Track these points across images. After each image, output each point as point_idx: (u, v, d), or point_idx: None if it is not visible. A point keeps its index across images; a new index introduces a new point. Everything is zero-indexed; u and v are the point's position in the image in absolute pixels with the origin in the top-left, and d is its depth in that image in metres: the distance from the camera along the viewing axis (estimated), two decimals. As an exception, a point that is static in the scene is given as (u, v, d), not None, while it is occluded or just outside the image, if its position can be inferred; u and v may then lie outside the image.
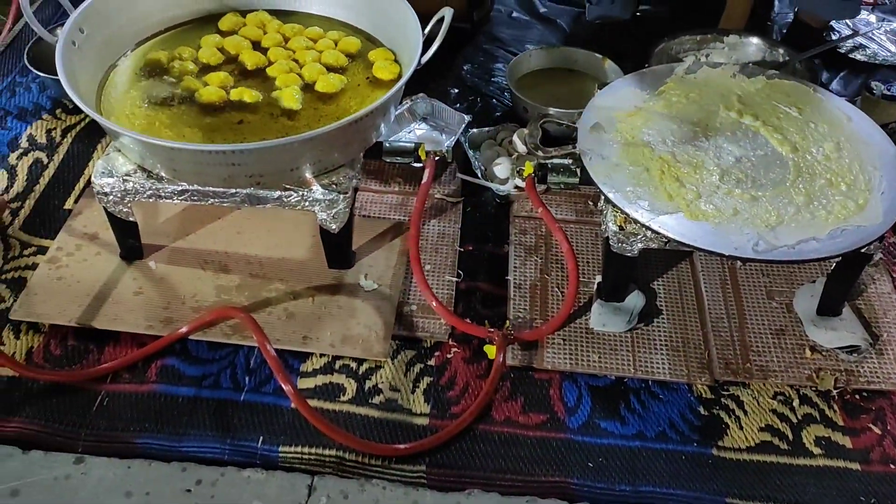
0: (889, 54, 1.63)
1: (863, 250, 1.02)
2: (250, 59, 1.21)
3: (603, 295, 1.16)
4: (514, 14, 1.76)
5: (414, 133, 1.43)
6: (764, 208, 1.04)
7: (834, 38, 1.66)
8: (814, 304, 1.15)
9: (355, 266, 1.19)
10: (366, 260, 1.20)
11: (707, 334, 1.14)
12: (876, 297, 1.19)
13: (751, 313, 1.17)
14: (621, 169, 1.09)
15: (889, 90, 1.38)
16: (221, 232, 1.23)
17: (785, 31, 1.70)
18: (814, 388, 1.07)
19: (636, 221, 1.03)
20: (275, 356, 0.99)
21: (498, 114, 1.50)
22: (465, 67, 1.61)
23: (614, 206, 1.05)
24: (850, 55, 1.63)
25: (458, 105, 1.50)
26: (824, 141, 1.13)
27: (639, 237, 1.06)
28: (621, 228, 1.06)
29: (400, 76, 1.18)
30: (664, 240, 1.02)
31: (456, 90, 1.55)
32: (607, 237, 1.08)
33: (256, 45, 1.25)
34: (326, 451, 0.97)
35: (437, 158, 1.21)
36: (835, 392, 1.06)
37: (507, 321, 1.14)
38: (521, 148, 1.30)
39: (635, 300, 1.16)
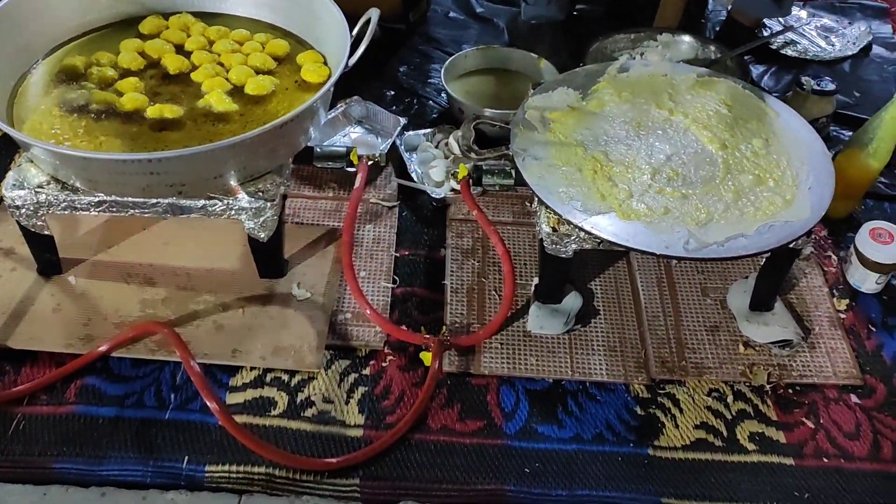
0: (819, 50, 1.66)
1: (791, 245, 1.03)
2: (173, 64, 1.17)
3: (540, 297, 1.15)
4: (451, 14, 1.75)
5: (349, 137, 1.40)
6: (694, 206, 1.04)
7: (765, 34, 1.69)
8: (746, 299, 1.16)
9: (288, 275, 1.16)
10: (299, 268, 1.17)
11: (644, 333, 1.14)
12: (807, 291, 1.20)
13: (686, 311, 1.17)
14: (554, 170, 1.08)
15: (819, 85, 1.40)
16: (147, 243, 1.19)
17: (718, 28, 1.72)
18: (747, 384, 1.08)
19: (569, 223, 1.02)
20: (199, 372, 0.96)
21: (434, 115, 1.48)
22: (400, 69, 1.58)
23: (547, 207, 1.04)
24: (782, 51, 1.65)
25: (393, 107, 1.48)
26: (753, 137, 1.14)
27: (573, 238, 1.06)
28: (554, 230, 1.05)
29: (330, 78, 1.15)
30: (597, 240, 1.02)
31: (392, 92, 1.52)
32: (541, 239, 1.07)
33: (180, 49, 1.21)
34: (255, 469, 0.94)
35: (370, 163, 1.19)
36: (768, 387, 1.07)
37: (444, 327, 1.12)
38: (457, 150, 1.28)
39: (573, 301, 1.15)
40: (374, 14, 1.12)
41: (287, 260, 1.17)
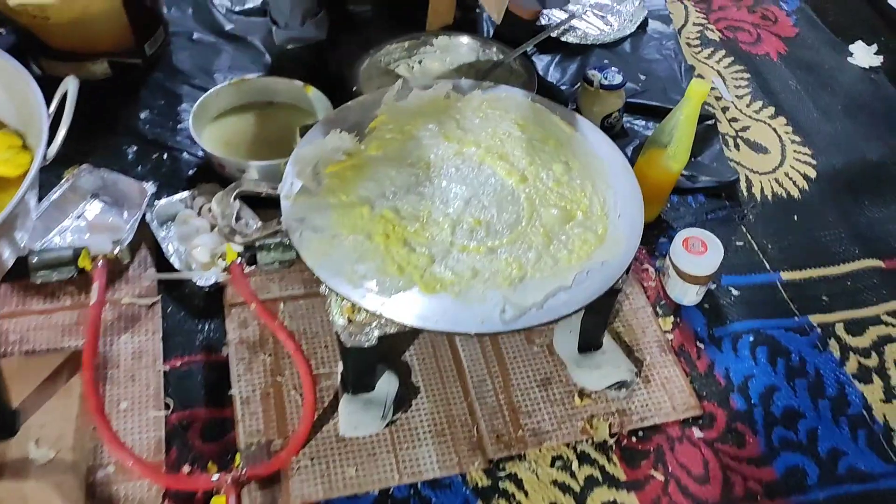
0: (599, 32, 1.58)
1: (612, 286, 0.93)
2: None
3: (349, 388, 0.98)
4: (196, 35, 1.47)
5: (83, 218, 1.13)
6: (504, 261, 0.90)
7: (544, 23, 1.59)
8: (574, 340, 1.05)
9: (21, 430, 0.89)
10: (35, 418, 0.90)
11: (472, 404, 1.01)
12: (632, 315, 1.12)
13: (513, 366, 1.05)
14: (339, 242, 0.89)
15: (607, 79, 1.32)
16: None
17: (493, 26, 1.58)
18: (590, 442, 0.98)
19: (366, 310, 0.85)
20: None
21: (192, 171, 1.23)
22: (141, 116, 1.30)
23: (337, 294, 0.87)
24: (562, 38, 1.56)
25: (138, 168, 1.22)
26: (553, 162, 1.02)
27: (373, 325, 0.89)
28: (350, 321, 0.88)
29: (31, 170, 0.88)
30: (402, 325, 0.86)
31: (133, 148, 1.25)
32: (336, 332, 0.89)
33: None
34: None
35: (103, 266, 0.94)
36: (611, 441, 0.98)
37: (237, 454, 0.92)
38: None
39: (388, 385, 0.99)
40: (71, 85, 0.85)
41: (17, 410, 0.90)
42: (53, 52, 1.30)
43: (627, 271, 0.92)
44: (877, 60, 1.65)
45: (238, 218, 1.16)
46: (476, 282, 0.88)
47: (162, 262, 1.08)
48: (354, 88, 1.26)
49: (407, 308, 0.85)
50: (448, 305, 0.86)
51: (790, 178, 1.36)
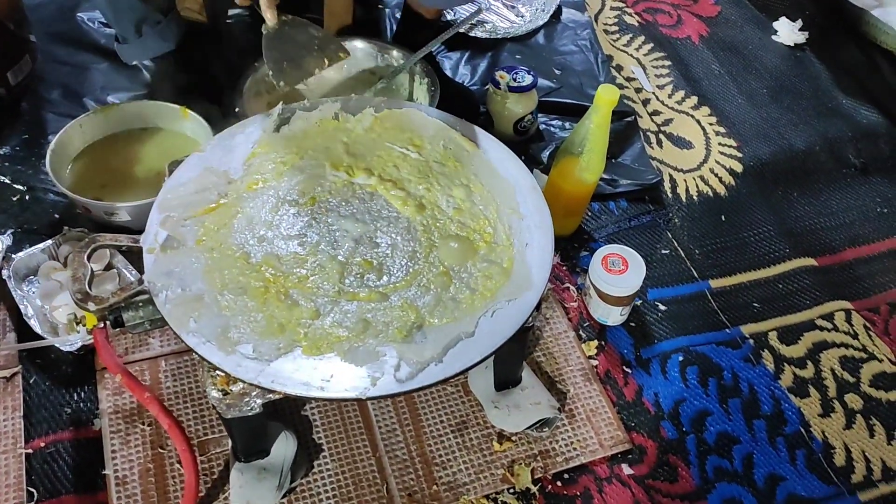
0: (509, 25, 1.48)
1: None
2: None
3: (240, 456, 0.88)
4: (64, 56, 1.31)
5: (-70, 279, 0.99)
6: (399, 308, 0.80)
7: (450, 18, 1.48)
8: (490, 377, 0.96)
9: None
10: None
11: (381, 459, 0.91)
12: (554, 341, 1.04)
13: (425, 410, 0.96)
14: (210, 301, 0.78)
15: (516, 80, 1.22)
16: None
17: (395, 25, 1.47)
18: (512, 491, 0.90)
19: (241, 380, 0.75)
20: None
21: (58, 216, 1.10)
22: (1, 152, 1.16)
23: (209, 363, 0.76)
24: (471, 33, 1.45)
25: (-7, 215, 1.09)
26: (452, 186, 0.92)
27: (254, 394, 0.79)
28: (226, 393, 0.78)
29: None
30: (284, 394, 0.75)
31: (-11, 191, 1.12)
32: (213, 405, 0.79)
33: None
34: None
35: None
36: (535, 489, 0.90)
37: (111, 550, 0.81)
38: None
39: (285, 448, 0.89)
40: None
41: None
42: None
43: (538, 308, 0.83)
44: (802, 37, 1.58)
45: (110, 267, 1.04)
46: (367, 336, 0.78)
47: (24, 325, 0.95)
48: (237, 109, 1.14)
49: (288, 374, 0.74)
50: (336, 368, 0.75)
51: (715, 175, 1.29)
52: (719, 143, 1.34)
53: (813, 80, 1.50)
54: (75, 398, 0.92)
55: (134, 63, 1.25)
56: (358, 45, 1.28)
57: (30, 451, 0.87)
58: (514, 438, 0.94)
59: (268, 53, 1.00)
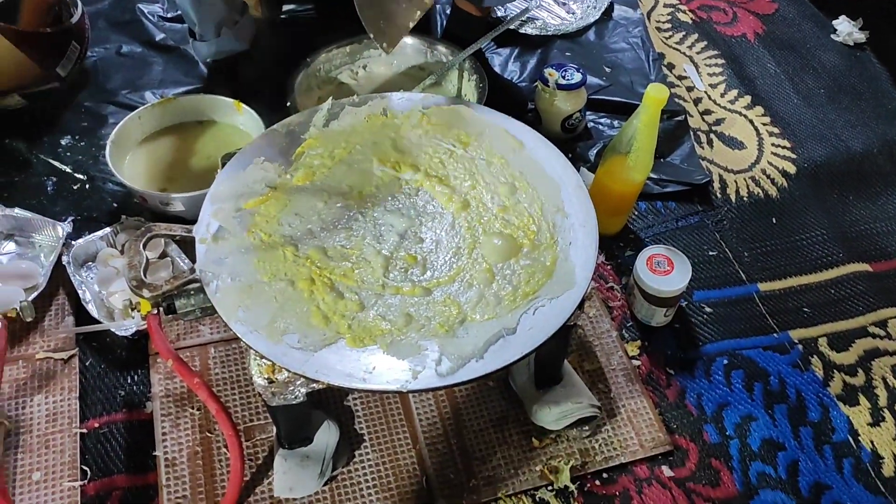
0: (560, 22, 1.48)
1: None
2: None
3: (284, 443, 0.90)
4: (124, 49, 1.37)
5: (-2, 261, 1.04)
6: (441, 304, 0.81)
7: (500, 15, 1.47)
8: (530, 375, 0.97)
9: (-81, 514, 0.82)
10: (-65, 498, 0.83)
11: (421, 451, 0.92)
12: (596, 340, 1.04)
13: (466, 405, 0.96)
14: (259, 290, 0.80)
15: (565, 78, 1.22)
16: None
17: (445, 22, 1.46)
18: (550, 488, 0.90)
19: (287, 369, 0.77)
20: None
21: (117, 204, 1.14)
22: (63, 142, 1.21)
23: (256, 352, 0.78)
24: (521, 30, 1.45)
25: (58, 203, 1.12)
26: (498, 184, 0.92)
27: (298, 383, 0.81)
28: (271, 381, 0.80)
29: None
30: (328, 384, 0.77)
31: (53, 180, 1.15)
32: (259, 393, 0.81)
33: None
34: None
35: (3, 327, 0.85)
36: (573, 487, 0.90)
37: (160, 529, 0.84)
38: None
39: (327, 436, 0.91)
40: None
41: (-85, 491, 0.83)
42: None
43: (581, 307, 0.83)
44: (862, 36, 1.54)
45: (164, 255, 1.07)
46: (410, 330, 0.79)
47: (81, 309, 0.99)
48: (288, 104, 1.16)
49: (332, 365, 0.76)
50: (378, 360, 0.77)
51: (768, 176, 1.26)
52: (772, 144, 1.31)
53: (873, 80, 1.45)
54: (129, 381, 0.96)
55: (208, 61, 1.28)
56: (407, 42, 1.29)
57: (84, 430, 0.91)
58: (553, 436, 0.94)
59: (364, 14, 1.00)
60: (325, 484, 0.89)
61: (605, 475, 0.92)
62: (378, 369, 0.76)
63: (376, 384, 0.76)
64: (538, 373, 0.96)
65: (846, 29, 1.55)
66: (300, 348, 0.77)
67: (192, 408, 0.93)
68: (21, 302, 0.88)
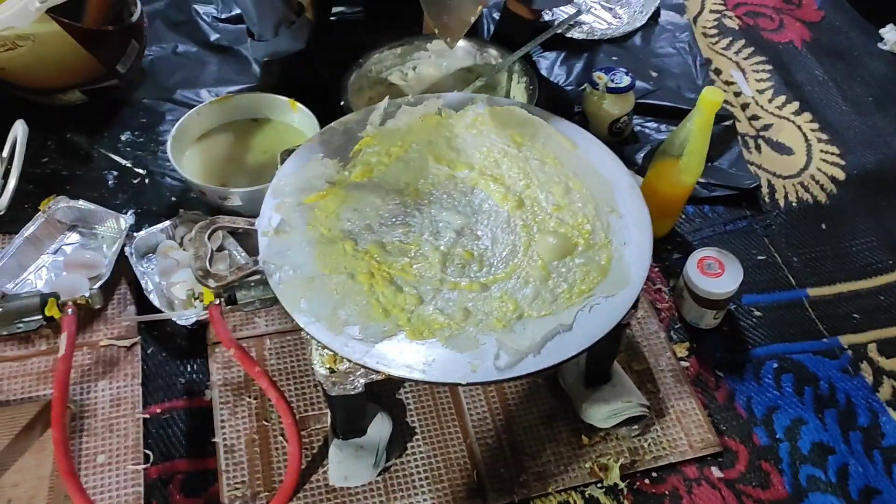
0: (606, 26, 1.49)
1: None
2: None
3: (339, 433, 0.92)
4: (180, 48, 1.41)
5: (62, 251, 1.07)
6: (498, 299, 0.82)
7: (548, 19, 1.49)
8: (580, 373, 0.98)
9: (-9, 492, 0.85)
10: (7, 476, 0.86)
11: (471, 445, 0.94)
12: (644, 340, 1.04)
13: (515, 401, 0.98)
14: (320, 283, 0.82)
15: (614, 81, 1.23)
16: None
17: (494, 25, 1.48)
18: (600, 485, 0.91)
19: (348, 359, 0.79)
20: None
21: (175, 198, 1.17)
22: (122, 137, 1.25)
23: (318, 342, 0.80)
24: (567, 34, 1.47)
25: (118, 196, 1.16)
26: (552, 184, 0.94)
27: (358, 374, 0.83)
28: (332, 371, 0.82)
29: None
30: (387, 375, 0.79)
31: (114, 174, 1.19)
32: (320, 382, 0.83)
33: None
34: None
35: (73, 314, 0.88)
36: (623, 484, 0.91)
37: (220, 512, 0.86)
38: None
39: (381, 428, 0.93)
40: (19, 130, 0.80)
41: (-13, 469, 0.86)
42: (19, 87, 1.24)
43: (635, 306, 0.84)
44: (909, 45, 1.53)
45: (222, 249, 1.10)
46: (468, 324, 0.80)
47: (143, 299, 1.02)
48: (342, 103, 1.19)
49: (392, 357, 0.77)
50: (437, 353, 0.78)
51: (817, 182, 1.26)
52: (821, 150, 1.31)
53: (921, 89, 1.45)
54: (189, 369, 0.98)
55: (265, 59, 1.31)
56: (458, 43, 1.31)
57: (147, 416, 0.94)
58: (602, 434, 0.95)
59: (430, 11, 1.03)
60: (379, 474, 0.90)
61: (654, 474, 0.92)
62: (437, 362, 0.78)
63: (436, 376, 0.78)
64: (589, 371, 0.98)
65: (893, 37, 1.55)
66: (361, 339, 0.79)
67: (249, 396, 0.96)
68: (91, 290, 0.91)
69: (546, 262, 0.86)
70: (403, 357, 0.78)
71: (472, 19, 1.04)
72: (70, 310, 0.88)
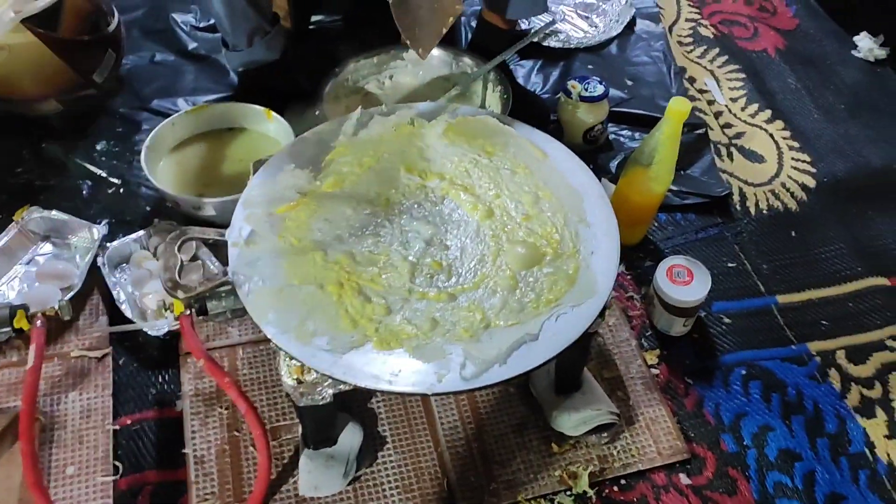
0: (582, 35, 1.50)
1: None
2: None
3: (309, 443, 0.92)
4: (158, 57, 1.41)
5: (34, 262, 1.07)
6: (466, 309, 0.83)
7: (524, 28, 1.50)
8: (550, 381, 0.99)
9: (-41, 504, 0.85)
10: (-25, 489, 0.86)
11: (442, 454, 0.94)
12: (616, 348, 1.05)
13: (487, 409, 0.98)
14: (289, 294, 0.83)
15: (587, 90, 1.24)
16: None
17: (470, 34, 1.49)
18: (569, 494, 0.92)
19: (315, 370, 0.79)
20: None
21: (150, 208, 1.17)
22: (98, 147, 1.25)
23: (285, 353, 0.80)
24: (544, 42, 1.48)
25: (93, 206, 1.16)
26: (521, 193, 0.95)
27: (326, 384, 0.83)
28: (300, 381, 0.82)
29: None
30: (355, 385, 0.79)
31: (89, 183, 1.19)
32: (287, 393, 0.84)
33: None
34: None
35: (42, 325, 0.88)
36: (591, 492, 0.92)
37: (188, 524, 0.87)
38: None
39: (351, 438, 0.93)
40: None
41: (-45, 481, 0.86)
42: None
43: (602, 315, 0.85)
44: (883, 53, 1.55)
45: (196, 259, 1.10)
46: (435, 334, 0.81)
47: (115, 309, 1.02)
48: (318, 112, 1.19)
49: (359, 367, 0.78)
50: (404, 363, 0.79)
51: (787, 190, 1.27)
52: (792, 158, 1.32)
53: (893, 96, 1.46)
54: (160, 380, 0.98)
55: (240, 69, 1.31)
56: (433, 53, 1.32)
57: (117, 427, 0.94)
58: (572, 442, 0.96)
59: (402, 22, 1.03)
60: (349, 484, 0.91)
61: (623, 482, 0.93)
62: (404, 372, 0.78)
63: (402, 387, 0.78)
64: (559, 379, 0.98)
65: (867, 45, 1.57)
66: (329, 350, 0.79)
67: (221, 407, 0.96)
68: (60, 301, 0.91)
69: (514, 271, 0.87)
70: (370, 367, 0.79)
71: (444, 31, 1.04)
72: (39, 321, 0.88)
